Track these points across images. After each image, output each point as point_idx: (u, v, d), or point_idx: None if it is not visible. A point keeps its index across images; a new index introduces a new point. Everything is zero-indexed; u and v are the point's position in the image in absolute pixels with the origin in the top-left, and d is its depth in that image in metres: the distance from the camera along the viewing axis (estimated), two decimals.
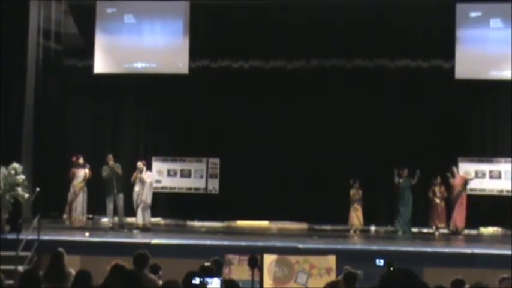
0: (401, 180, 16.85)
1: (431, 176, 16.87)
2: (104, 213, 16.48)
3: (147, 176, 16.03)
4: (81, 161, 16.07)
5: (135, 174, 15.91)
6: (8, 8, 15.42)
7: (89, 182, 16.06)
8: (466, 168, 17.30)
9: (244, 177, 17.97)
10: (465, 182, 16.82)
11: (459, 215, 16.60)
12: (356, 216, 16.85)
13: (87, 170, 15.95)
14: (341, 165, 17.69)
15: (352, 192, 16.87)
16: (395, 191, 17.03)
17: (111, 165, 15.86)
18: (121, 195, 15.97)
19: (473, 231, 17.11)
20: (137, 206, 15.79)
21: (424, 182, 16.90)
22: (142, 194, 15.77)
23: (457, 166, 17.10)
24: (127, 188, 16.11)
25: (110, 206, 15.98)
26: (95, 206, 17.13)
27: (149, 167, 17.61)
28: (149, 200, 15.92)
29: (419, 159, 17.39)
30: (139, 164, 16.07)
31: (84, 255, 12.17)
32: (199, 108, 18.45)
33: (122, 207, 16.02)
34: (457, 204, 16.63)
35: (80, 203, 15.91)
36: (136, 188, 15.85)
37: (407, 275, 3.86)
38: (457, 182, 16.75)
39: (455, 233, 16.53)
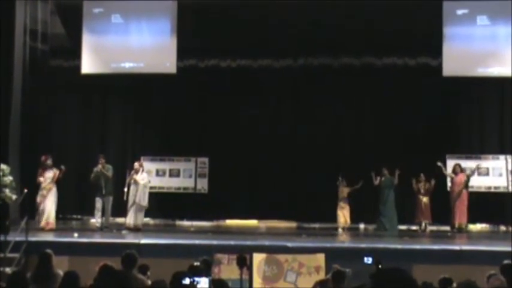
0: (382, 179, 16.88)
1: (419, 173, 16.88)
2: (91, 213, 16.39)
3: (141, 178, 15.90)
4: (49, 161, 15.42)
5: (131, 174, 15.83)
6: None
7: (58, 183, 15.45)
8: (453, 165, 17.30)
9: (233, 176, 17.99)
10: (467, 179, 16.73)
11: (463, 213, 16.49)
12: (342, 214, 16.86)
13: (55, 171, 15.34)
14: (330, 164, 17.72)
15: (339, 190, 16.92)
16: (376, 190, 17.03)
17: (100, 168, 15.74)
18: (110, 198, 15.87)
19: None
20: (130, 207, 15.69)
21: (413, 179, 16.93)
22: (136, 196, 15.66)
23: (445, 163, 17.12)
24: (116, 190, 16.05)
25: (98, 207, 15.86)
26: (83, 207, 17.08)
27: None
28: (144, 201, 15.71)
29: (408, 157, 17.46)
30: (135, 164, 15.97)
31: (73, 256, 12.11)
32: (187, 107, 18.45)
33: (109, 209, 15.89)
34: (457, 202, 16.49)
35: (48, 205, 15.20)
36: (130, 188, 15.76)
37: (397, 273, 3.83)
38: (458, 180, 16.68)
39: (459, 231, 16.33)
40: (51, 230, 15.06)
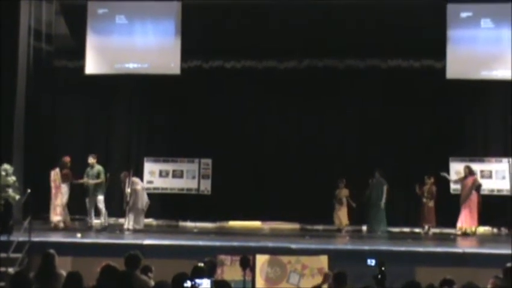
0: (374, 181, 16.91)
1: (423, 176, 16.86)
2: (95, 214, 16.38)
3: (141, 186, 16.03)
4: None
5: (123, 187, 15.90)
6: None
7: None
8: (457, 168, 17.26)
9: (236, 177, 17.96)
10: (478, 186, 16.58)
11: (469, 216, 16.34)
12: (340, 215, 16.91)
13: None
14: (333, 165, 17.72)
15: (336, 192, 16.94)
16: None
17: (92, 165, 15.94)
18: (100, 198, 15.87)
19: None
20: (128, 212, 15.70)
21: (416, 182, 16.89)
22: (134, 202, 15.73)
23: (448, 166, 17.11)
24: (118, 190, 16.09)
25: (88, 207, 16.01)
26: (86, 207, 17.12)
27: (141, 168, 17.65)
28: (141, 204, 15.88)
29: (411, 159, 17.49)
30: (121, 176, 15.98)
31: (76, 257, 12.14)
32: (191, 108, 18.43)
33: (103, 209, 15.90)
34: (464, 205, 16.36)
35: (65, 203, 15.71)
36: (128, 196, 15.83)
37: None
38: (467, 183, 16.56)
39: (465, 234, 16.19)
40: (67, 227, 15.46)
